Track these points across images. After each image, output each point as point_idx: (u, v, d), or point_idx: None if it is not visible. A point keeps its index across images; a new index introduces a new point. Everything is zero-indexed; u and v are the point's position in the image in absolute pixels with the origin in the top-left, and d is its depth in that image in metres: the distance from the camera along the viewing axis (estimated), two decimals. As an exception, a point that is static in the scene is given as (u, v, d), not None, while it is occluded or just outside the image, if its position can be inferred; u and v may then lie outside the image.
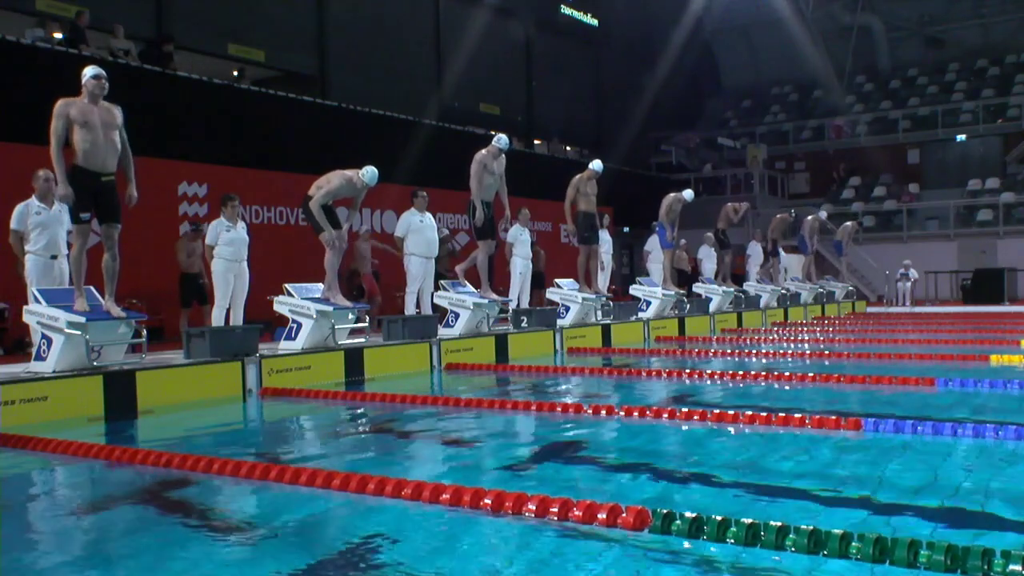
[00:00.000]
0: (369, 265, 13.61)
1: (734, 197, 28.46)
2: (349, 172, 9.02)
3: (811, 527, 3.07)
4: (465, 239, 17.05)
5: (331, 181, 8.93)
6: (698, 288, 15.63)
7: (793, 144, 31.05)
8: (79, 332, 6.80)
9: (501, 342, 10.38)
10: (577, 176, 12.31)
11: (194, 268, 11.09)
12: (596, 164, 12.24)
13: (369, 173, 8.98)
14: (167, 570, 3.23)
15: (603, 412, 6.13)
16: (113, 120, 6.99)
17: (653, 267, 15.20)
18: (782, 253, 18.17)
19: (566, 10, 26.68)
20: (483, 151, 10.57)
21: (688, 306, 14.35)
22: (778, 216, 18.50)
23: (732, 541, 3.13)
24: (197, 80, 14.68)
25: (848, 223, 21.33)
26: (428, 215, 10.86)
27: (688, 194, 14.56)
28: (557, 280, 12.60)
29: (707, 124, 33.76)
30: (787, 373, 8.22)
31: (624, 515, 3.35)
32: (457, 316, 10.49)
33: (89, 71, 6.94)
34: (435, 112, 20.28)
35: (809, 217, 19.29)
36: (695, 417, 5.77)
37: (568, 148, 27.93)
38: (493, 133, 20.92)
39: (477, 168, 10.45)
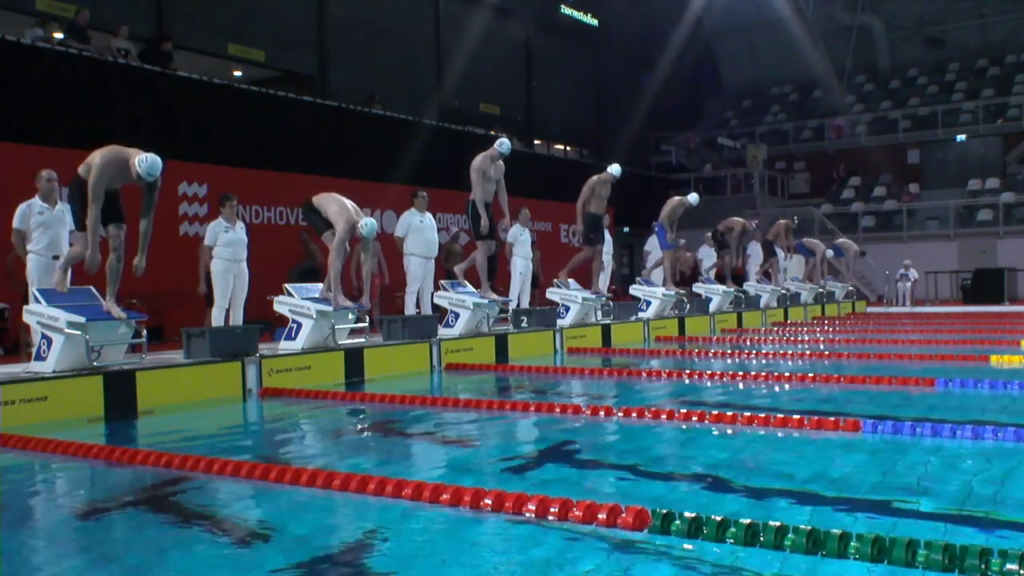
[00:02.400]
0: (375, 266, 13.64)
1: (734, 197, 28.57)
2: (351, 214, 8.62)
3: (810, 527, 3.08)
4: (465, 239, 17.05)
5: (338, 223, 8.59)
6: (698, 288, 15.63)
7: (793, 144, 31.04)
8: (79, 332, 6.81)
9: (501, 342, 10.38)
10: (594, 177, 12.27)
11: None
12: (615, 168, 12.21)
13: (368, 227, 8.60)
14: (167, 570, 3.23)
15: (602, 413, 6.14)
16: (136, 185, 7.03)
17: (653, 269, 15.20)
18: (780, 253, 18.15)
19: (566, 10, 26.67)
20: (481, 155, 10.51)
21: (688, 306, 14.35)
22: (781, 221, 18.46)
23: (731, 541, 3.14)
24: (197, 80, 14.68)
25: (853, 247, 20.87)
26: (428, 215, 10.87)
27: (693, 198, 14.55)
28: (557, 280, 12.60)
29: (707, 124, 33.75)
30: (787, 373, 8.23)
31: (624, 515, 3.36)
32: (457, 316, 10.50)
33: (146, 165, 6.75)
34: (435, 112, 20.28)
35: (820, 248, 19.09)
36: (694, 418, 5.77)
37: (568, 148, 27.93)
38: (494, 133, 21.01)
39: (476, 176, 10.41)
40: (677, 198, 14.44)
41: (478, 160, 10.45)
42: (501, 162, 10.54)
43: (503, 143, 10.47)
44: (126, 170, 6.84)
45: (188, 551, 3.43)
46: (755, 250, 18.07)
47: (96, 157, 6.90)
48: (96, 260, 6.88)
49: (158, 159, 6.83)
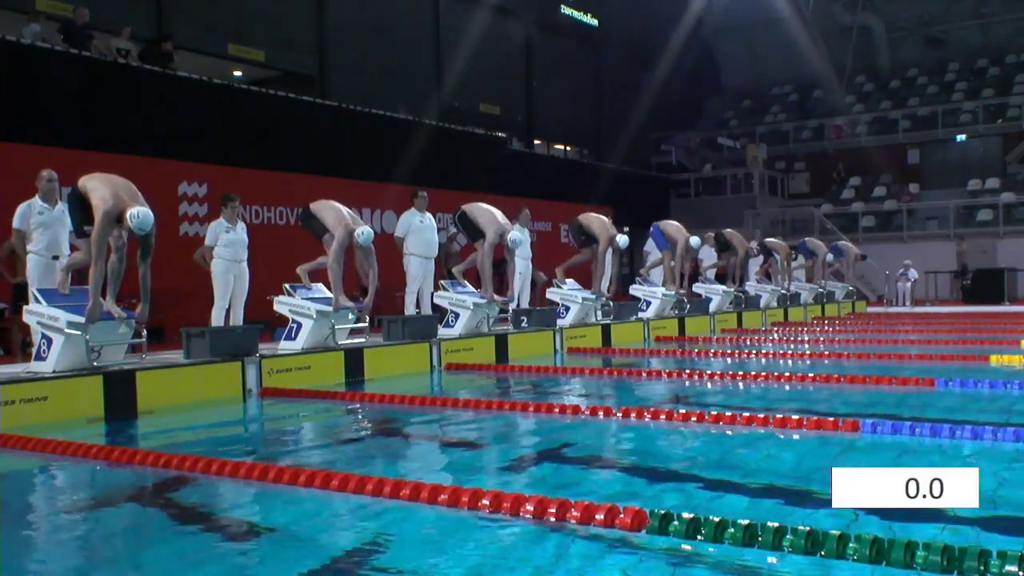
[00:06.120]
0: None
1: (734, 197, 28.57)
2: (348, 221, 8.72)
3: (809, 528, 3.09)
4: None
5: (336, 230, 8.65)
6: (698, 288, 15.62)
7: (793, 144, 31.04)
8: (79, 332, 6.81)
9: (501, 342, 10.38)
10: (605, 237, 12.20)
11: None
12: (623, 240, 12.30)
13: (364, 235, 8.65)
14: (167, 570, 3.24)
15: (602, 413, 6.14)
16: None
17: (652, 268, 15.19)
18: (778, 256, 18.09)
19: (566, 10, 26.68)
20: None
21: (688, 306, 14.35)
22: (784, 246, 18.33)
23: (730, 542, 3.14)
24: (197, 80, 14.69)
25: (853, 249, 20.77)
26: (428, 215, 10.88)
27: (695, 241, 14.45)
28: (556, 280, 12.60)
29: (707, 124, 33.75)
30: (787, 373, 8.23)
31: (622, 516, 3.36)
32: (457, 316, 10.50)
33: (137, 221, 6.68)
34: (435, 112, 20.29)
35: (822, 250, 18.97)
36: (694, 418, 5.77)
37: (568, 148, 27.93)
38: (493, 133, 20.99)
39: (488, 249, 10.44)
40: (685, 236, 14.14)
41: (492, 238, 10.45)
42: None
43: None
44: (123, 218, 6.81)
45: (188, 551, 3.44)
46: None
47: (96, 197, 6.77)
48: (97, 312, 6.85)
49: (150, 214, 6.76)
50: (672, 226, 14.33)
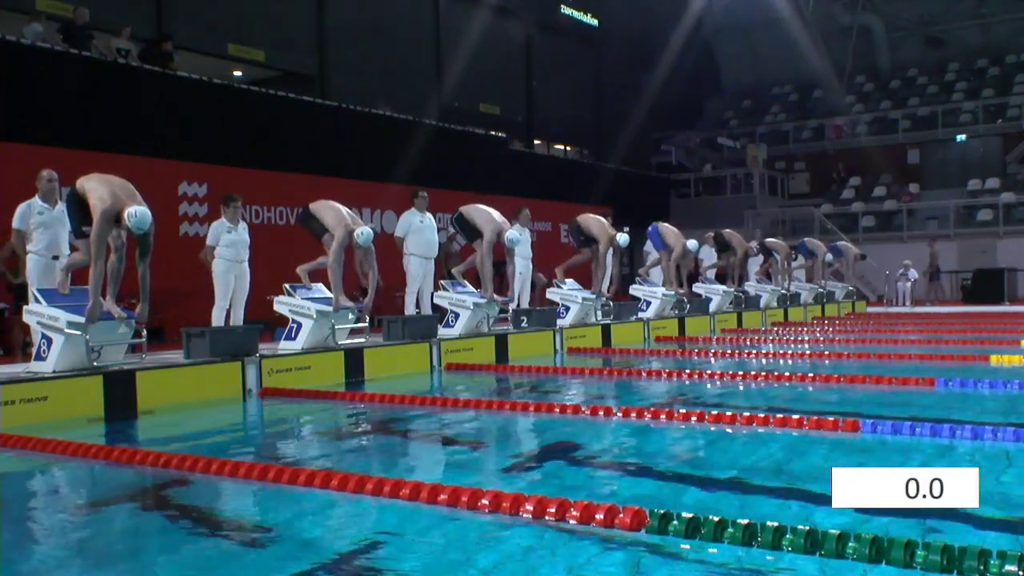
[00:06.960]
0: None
1: (734, 197, 28.58)
2: (348, 221, 8.75)
3: (808, 527, 3.09)
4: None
5: (336, 230, 8.68)
6: (698, 288, 15.63)
7: (793, 144, 31.04)
8: (79, 332, 6.81)
9: (501, 342, 10.38)
10: (605, 237, 12.22)
11: None
12: (623, 239, 12.32)
13: (364, 236, 8.66)
14: (167, 570, 3.24)
15: (602, 413, 6.14)
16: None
17: (652, 268, 15.19)
18: (778, 256, 18.09)
19: (566, 10, 26.68)
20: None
21: (688, 306, 14.35)
22: (784, 245, 18.35)
23: (729, 542, 3.14)
24: (197, 80, 14.69)
25: (853, 249, 20.79)
26: (428, 215, 10.88)
27: (693, 245, 14.49)
28: (556, 280, 12.60)
29: (707, 124, 33.76)
30: (787, 373, 8.23)
31: (621, 515, 3.36)
32: (457, 316, 10.50)
33: (135, 220, 6.70)
34: (435, 112, 20.29)
35: (821, 249, 18.97)
36: (694, 418, 5.77)
37: (568, 148, 27.94)
38: (493, 133, 20.97)
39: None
40: (682, 241, 14.16)
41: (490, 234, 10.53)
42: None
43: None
44: (121, 218, 6.80)
45: (187, 551, 3.44)
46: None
47: (94, 197, 6.78)
48: (97, 312, 6.85)
49: (147, 214, 6.77)
50: (671, 232, 14.28)
